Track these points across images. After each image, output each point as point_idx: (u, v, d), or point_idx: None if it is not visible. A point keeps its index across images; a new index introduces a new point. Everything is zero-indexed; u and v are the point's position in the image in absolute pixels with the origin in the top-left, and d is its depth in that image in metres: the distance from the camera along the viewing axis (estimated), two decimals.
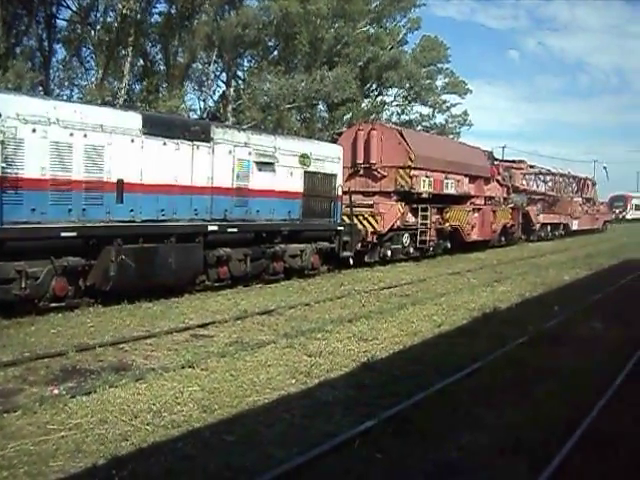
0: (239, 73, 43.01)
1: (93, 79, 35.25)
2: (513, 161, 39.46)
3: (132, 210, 13.59)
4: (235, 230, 15.65)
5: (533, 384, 8.62)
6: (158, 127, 14.30)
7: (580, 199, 49.84)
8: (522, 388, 8.42)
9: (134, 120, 13.80)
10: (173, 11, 37.15)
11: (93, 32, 34.98)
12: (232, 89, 40.57)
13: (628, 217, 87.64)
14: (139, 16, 34.81)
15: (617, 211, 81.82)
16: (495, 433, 6.79)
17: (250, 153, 16.38)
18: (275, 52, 42.50)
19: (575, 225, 47.23)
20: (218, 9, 37.50)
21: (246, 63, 43.39)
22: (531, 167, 41.63)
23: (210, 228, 15.00)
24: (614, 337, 11.67)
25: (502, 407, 7.69)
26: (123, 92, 34.45)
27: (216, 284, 15.63)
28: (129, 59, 34.83)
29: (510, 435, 6.62)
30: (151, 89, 36.85)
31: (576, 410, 7.24)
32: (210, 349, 9.92)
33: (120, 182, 13.31)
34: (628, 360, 9.61)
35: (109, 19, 35.01)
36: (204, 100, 40.84)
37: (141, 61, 38.96)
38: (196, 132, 15.10)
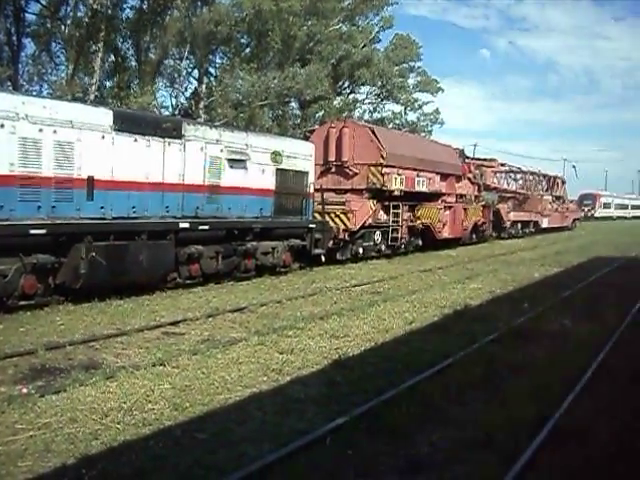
0: (211, 70, 42.94)
1: (63, 74, 34.95)
2: (484, 159, 39.70)
3: (103, 207, 13.49)
4: (206, 227, 15.58)
5: (503, 380, 8.70)
6: (129, 123, 14.19)
7: (550, 197, 50.36)
8: (492, 384, 8.50)
9: (105, 116, 13.68)
10: (145, 6, 36.90)
11: (63, 27, 34.66)
12: (204, 86, 40.45)
13: (597, 215, 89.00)
14: (110, 11, 34.58)
15: (586, 209, 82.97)
16: (465, 429, 6.85)
17: (222, 150, 16.33)
18: (247, 49, 42.42)
19: (545, 223, 47.74)
20: (190, 5, 37.36)
21: (218, 60, 43.33)
22: (502, 165, 41.94)
23: (181, 225, 14.92)
24: (583, 333, 11.78)
25: (473, 403, 7.77)
26: (94, 88, 34.18)
27: (187, 281, 15.55)
28: (100, 55, 34.57)
29: (480, 431, 6.67)
30: (122, 85, 36.63)
31: (546, 405, 7.31)
32: (181, 347, 9.87)
33: (90, 179, 13.20)
34: (596, 356, 9.72)
35: (79, 14, 34.70)
36: (176, 97, 40.69)
37: (112, 57, 38.62)
38: (167, 129, 15.03)
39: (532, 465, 5.83)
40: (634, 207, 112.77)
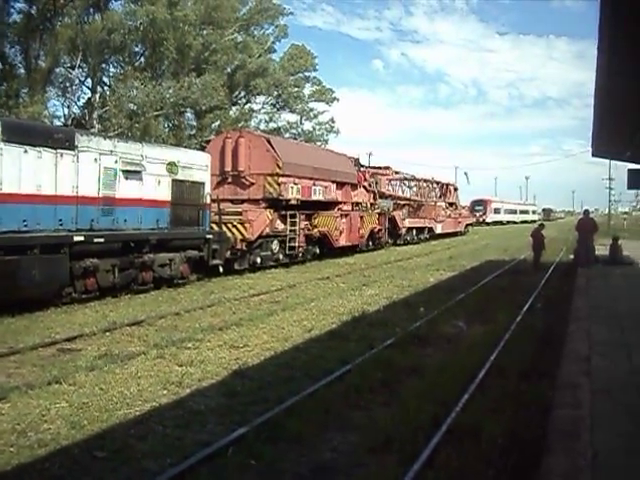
0: (105, 79, 42.07)
1: None
2: (379, 167, 40.48)
3: None
4: (102, 240, 15.28)
5: (401, 384, 8.92)
6: (18, 134, 13.76)
7: (443, 204, 51.78)
8: (391, 388, 8.70)
9: None
10: (33, 11, 35.75)
11: None
12: (98, 95, 39.58)
13: (488, 220, 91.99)
14: None
15: (478, 214, 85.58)
16: (366, 433, 6.99)
17: (117, 161, 16.06)
18: (142, 58, 41.80)
19: (439, 229, 49.02)
20: (82, 12, 36.48)
21: (112, 69, 42.51)
22: (396, 173, 42.82)
23: (76, 238, 14.57)
24: (476, 334, 12.24)
25: (372, 407, 7.94)
26: None
27: (83, 296, 15.20)
28: None
29: (380, 434, 6.82)
30: (11, 94, 35.34)
31: (442, 406, 7.55)
32: (78, 363, 9.65)
33: None
34: (489, 356, 10.09)
35: None
36: (68, 106, 39.64)
37: None
38: (59, 140, 14.65)
39: (431, 464, 6.01)
40: (522, 212, 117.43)
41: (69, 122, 37.81)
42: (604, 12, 9.38)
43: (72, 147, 14.86)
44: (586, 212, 25.87)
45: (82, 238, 14.71)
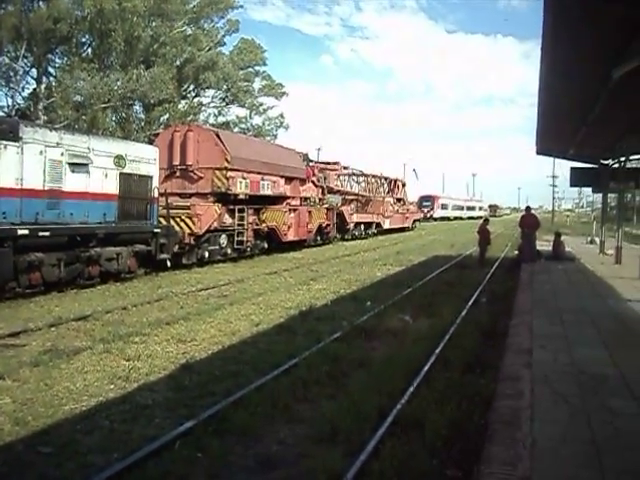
0: (50, 70, 41.27)
1: None
2: (328, 162, 40.59)
3: None
4: (47, 234, 15.04)
5: (348, 377, 9.04)
6: None
7: (391, 199, 52.20)
8: (337, 381, 8.81)
9: None
10: None
11: None
12: (43, 86, 38.85)
13: (436, 216, 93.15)
14: None
15: (425, 210, 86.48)
16: (313, 425, 7.10)
17: (63, 154, 15.83)
18: (89, 49, 41.16)
19: (387, 224, 49.40)
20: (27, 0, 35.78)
21: (58, 59, 41.71)
22: (345, 168, 43.00)
23: (20, 232, 14.32)
24: (422, 328, 12.43)
25: (319, 400, 8.04)
26: None
27: (28, 291, 14.95)
28: None
29: (327, 426, 6.93)
30: None
31: (388, 398, 7.69)
32: (22, 359, 9.53)
33: None
34: (434, 349, 10.28)
35: None
36: (12, 97, 38.76)
37: None
38: (3, 131, 14.38)
39: (376, 455, 6.13)
40: (469, 208, 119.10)
41: (13, 113, 37.06)
42: (548, 13, 9.63)
43: (16, 138, 14.59)
44: (528, 208, 26.28)
45: (26, 232, 14.46)
